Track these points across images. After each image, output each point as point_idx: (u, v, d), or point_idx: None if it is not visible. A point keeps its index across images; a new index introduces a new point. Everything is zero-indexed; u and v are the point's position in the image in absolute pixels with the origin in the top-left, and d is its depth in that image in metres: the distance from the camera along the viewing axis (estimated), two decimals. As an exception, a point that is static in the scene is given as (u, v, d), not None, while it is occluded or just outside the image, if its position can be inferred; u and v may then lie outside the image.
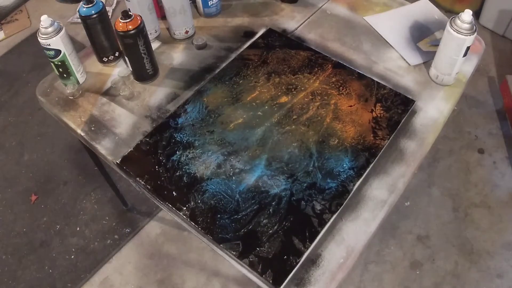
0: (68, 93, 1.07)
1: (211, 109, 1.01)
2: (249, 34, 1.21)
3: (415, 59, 1.12)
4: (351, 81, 1.05)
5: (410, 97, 1.02)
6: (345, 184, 0.87)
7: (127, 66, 1.10)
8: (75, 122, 1.04)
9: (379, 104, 1.01)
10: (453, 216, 1.67)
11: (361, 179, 0.89)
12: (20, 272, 1.60)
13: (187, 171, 0.91)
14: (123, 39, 0.99)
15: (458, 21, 0.96)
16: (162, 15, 1.20)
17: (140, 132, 1.00)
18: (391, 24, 1.21)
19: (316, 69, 1.08)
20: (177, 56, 1.16)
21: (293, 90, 1.04)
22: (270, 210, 0.84)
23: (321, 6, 1.28)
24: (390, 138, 0.95)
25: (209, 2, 1.22)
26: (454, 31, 0.95)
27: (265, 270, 0.77)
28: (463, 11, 0.96)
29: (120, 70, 1.13)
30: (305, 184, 0.87)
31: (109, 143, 0.99)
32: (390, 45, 1.16)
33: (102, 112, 1.05)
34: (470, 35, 0.95)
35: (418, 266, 1.55)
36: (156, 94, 1.08)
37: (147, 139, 0.97)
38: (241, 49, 1.16)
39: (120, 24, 0.97)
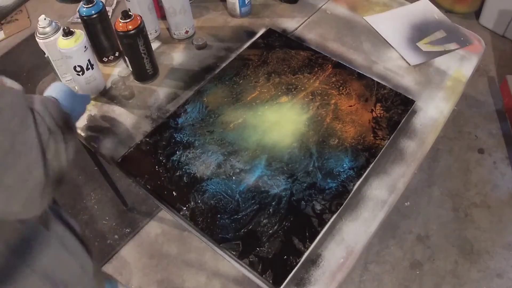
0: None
1: (211, 109, 1.01)
2: (249, 34, 1.21)
3: (415, 59, 1.12)
4: (351, 81, 1.05)
5: (410, 97, 1.02)
6: (345, 184, 0.87)
7: (127, 66, 1.10)
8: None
9: (379, 104, 1.01)
10: (453, 216, 1.67)
11: (361, 179, 0.89)
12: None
13: (187, 171, 0.91)
14: (123, 39, 0.99)
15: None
16: (162, 15, 1.20)
17: (140, 132, 1.00)
18: (391, 24, 1.21)
19: (316, 69, 1.08)
20: (177, 56, 1.16)
21: (293, 90, 1.04)
22: (270, 210, 0.84)
23: (321, 6, 1.28)
24: (390, 138, 0.95)
25: (245, 0, 1.22)
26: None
27: (265, 270, 0.77)
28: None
29: (120, 70, 1.13)
30: (305, 184, 0.87)
31: (109, 143, 0.99)
32: (390, 45, 1.16)
33: (102, 112, 1.05)
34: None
35: (418, 266, 1.55)
36: (156, 94, 1.08)
37: (147, 139, 0.97)
38: (241, 49, 1.16)
39: (120, 24, 0.97)
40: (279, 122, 0.98)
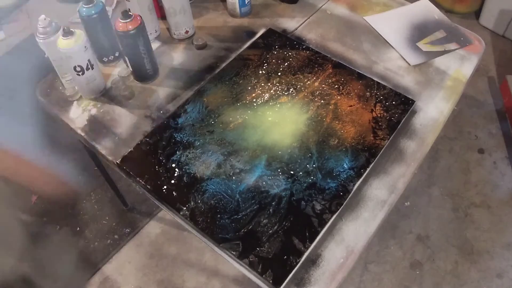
0: (67, 96, 1.07)
1: (211, 109, 1.01)
2: (249, 34, 1.21)
3: (415, 59, 1.12)
4: (351, 81, 1.05)
5: (410, 97, 1.02)
6: (345, 184, 0.87)
7: (127, 66, 1.10)
8: (75, 122, 1.04)
9: (379, 104, 1.01)
10: (453, 216, 1.67)
11: (361, 179, 0.89)
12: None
13: (187, 171, 0.91)
14: (123, 39, 0.99)
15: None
16: (162, 15, 1.20)
17: (140, 132, 1.00)
18: (391, 24, 1.21)
19: (316, 69, 1.08)
20: (177, 56, 1.16)
21: (293, 90, 1.04)
22: (270, 210, 0.84)
23: (321, 6, 1.28)
24: (390, 138, 0.95)
25: (245, 1, 1.22)
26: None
27: (265, 270, 0.77)
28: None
29: (120, 70, 1.12)
30: (305, 184, 0.87)
31: (109, 143, 0.99)
32: (390, 45, 1.16)
33: (102, 112, 1.05)
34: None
35: (418, 266, 1.55)
36: (156, 94, 1.08)
37: (147, 139, 0.97)
38: (241, 49, 1.16)
39: (120, 24, 0.97)
40: (279, 122, 0.98)
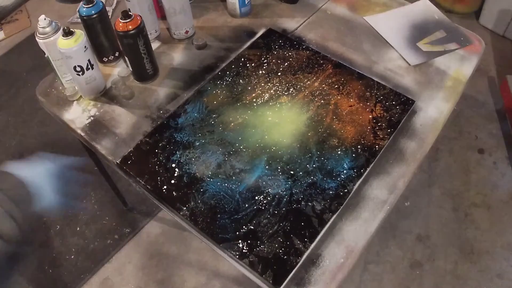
0: (67, 95, 1.07)
1: (211, 109, 1.01)
2: (249, 34, 1.21)
3: (415, 59, 1.12)
4: (351, 81, 1.05)
5: (410, 97, 1.02)
6: (345, 184, 0.87)
7: (127, 66, 1.10)
8: (75, 122, 1.04)
9: (379, 104, 1.01)
10: (453, 216, 1.67)
11: (361, 179, 0.89)
12: (21, 272, 1.59)
13: (187, 171, 0.91)
14: (123, 39, 0.99)
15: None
16: (162, 15, 1.20)
17: (140, 132, 1.00)
18: (391, 24, 1.21)
19: (316, 69, 1.08)
20: (177, 56, 1.16)
21: (293, 90, 1.04)
22: (270, 210, 0.84)
23: (321, 6, 1.28)
24: (390, 138, 0.95)
25: (245, 1, 1.22)
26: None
27: (265, 270, 0.77)
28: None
29: (120, 70, 1.13)
30: (305, 184, 0.87)
31: (109, 143, 0.99)
32: (390, 45, 1.16)
33: (102, 112, 1.05)
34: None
35: (418, 266, 1.55)
36: (156, 94, 1.08)
37: (147, 139, 0.97)
38: (241, 49, 1.16)
39: (120, 24, 0.97)
40: (279, 122, 0.98)
